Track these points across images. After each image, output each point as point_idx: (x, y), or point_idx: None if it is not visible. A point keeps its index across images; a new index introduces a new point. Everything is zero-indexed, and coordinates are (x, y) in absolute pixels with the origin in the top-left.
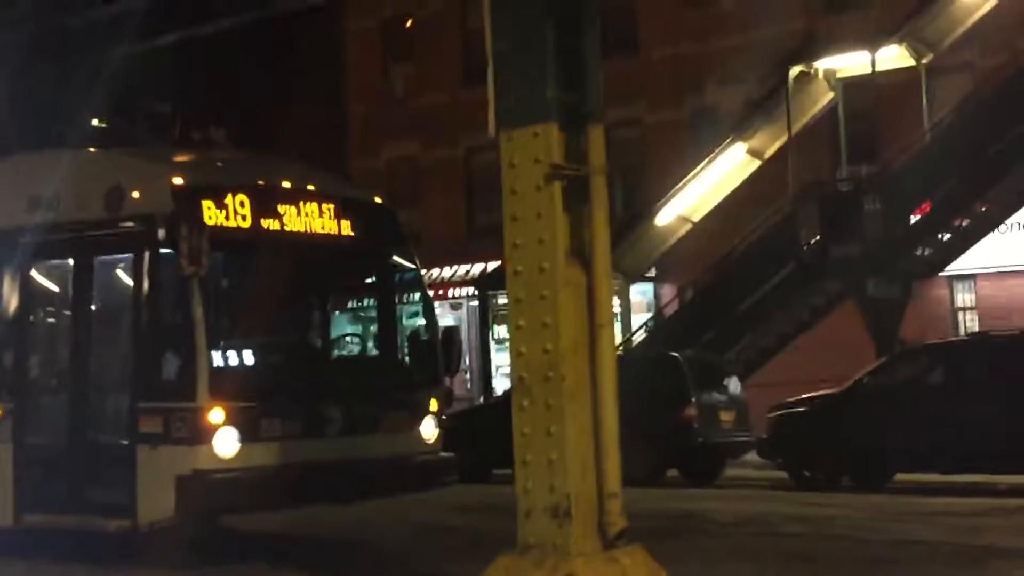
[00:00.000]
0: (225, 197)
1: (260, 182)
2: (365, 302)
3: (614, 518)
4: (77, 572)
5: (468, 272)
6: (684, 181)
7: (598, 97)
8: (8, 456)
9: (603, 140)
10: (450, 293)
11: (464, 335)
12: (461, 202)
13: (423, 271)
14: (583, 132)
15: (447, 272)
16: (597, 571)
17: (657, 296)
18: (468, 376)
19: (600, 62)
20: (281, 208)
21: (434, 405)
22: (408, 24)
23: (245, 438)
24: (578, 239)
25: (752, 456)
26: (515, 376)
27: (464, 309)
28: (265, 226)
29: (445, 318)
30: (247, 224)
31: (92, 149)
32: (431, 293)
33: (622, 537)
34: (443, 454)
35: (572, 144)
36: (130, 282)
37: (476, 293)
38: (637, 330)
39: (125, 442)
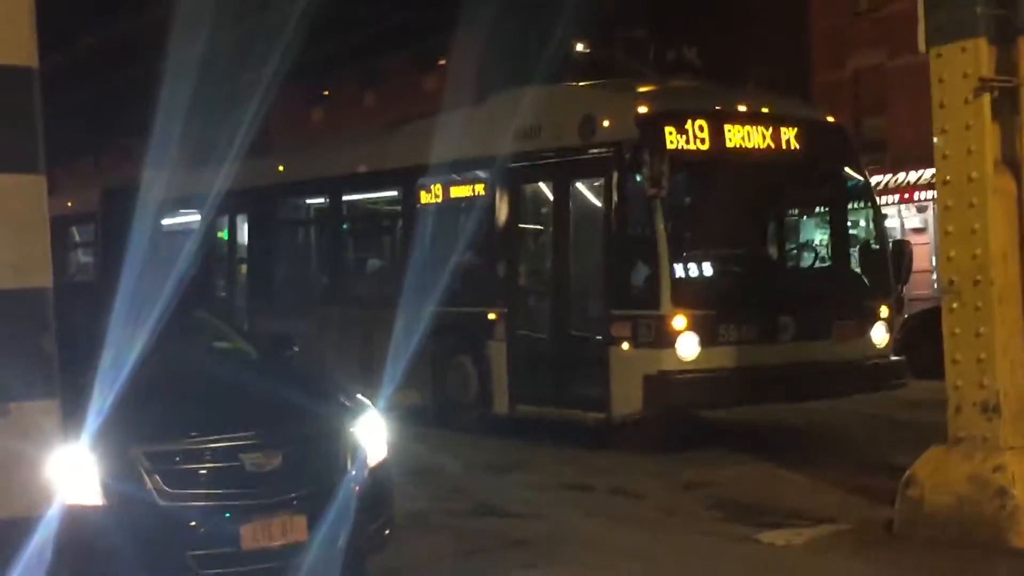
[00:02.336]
0: (685, 123)
1: (718, 107)
2: (818, 216)
3: None
4: (567, 452)
5: (934, 175)
6: None
7: None
8: (503, 354)
9: None
10: (916, 196)
11: (930, 236)
12: (926, 107)
13: (890, 175)
14: (1013, 44)
15: (913, 176)
16: None
17: None
18: (934, 277)
19: None
20: (737, 131)
21: (884, 312)
22: None
23: (705, 342)
24: (1008, 149)
25: None
26: (945, 279)
27: (930, 211)
28: (722, 148)
29: (911, 219)
30: (705, 147)
31: (568, 84)
32: (897, 196)
33: None
34: (894, 358)
35: (1002, 57)
36: (601, 203)
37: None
38: None
39: (600, 345)
